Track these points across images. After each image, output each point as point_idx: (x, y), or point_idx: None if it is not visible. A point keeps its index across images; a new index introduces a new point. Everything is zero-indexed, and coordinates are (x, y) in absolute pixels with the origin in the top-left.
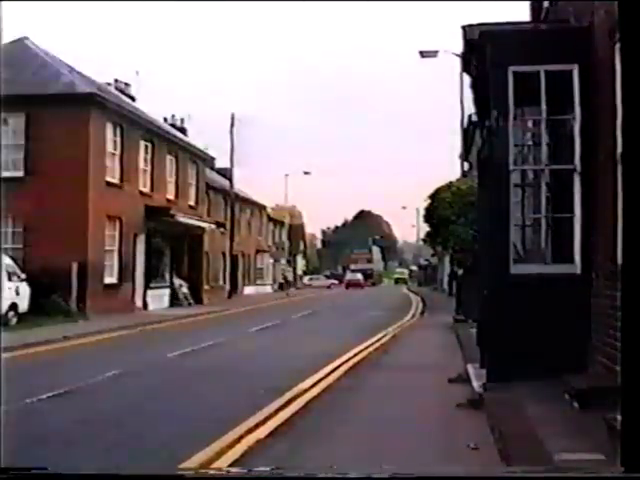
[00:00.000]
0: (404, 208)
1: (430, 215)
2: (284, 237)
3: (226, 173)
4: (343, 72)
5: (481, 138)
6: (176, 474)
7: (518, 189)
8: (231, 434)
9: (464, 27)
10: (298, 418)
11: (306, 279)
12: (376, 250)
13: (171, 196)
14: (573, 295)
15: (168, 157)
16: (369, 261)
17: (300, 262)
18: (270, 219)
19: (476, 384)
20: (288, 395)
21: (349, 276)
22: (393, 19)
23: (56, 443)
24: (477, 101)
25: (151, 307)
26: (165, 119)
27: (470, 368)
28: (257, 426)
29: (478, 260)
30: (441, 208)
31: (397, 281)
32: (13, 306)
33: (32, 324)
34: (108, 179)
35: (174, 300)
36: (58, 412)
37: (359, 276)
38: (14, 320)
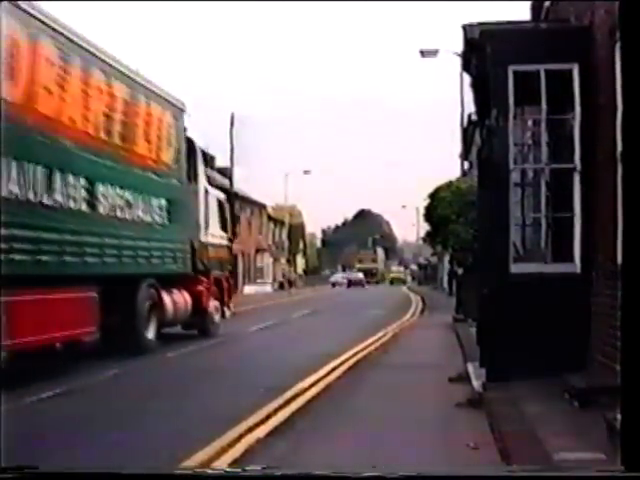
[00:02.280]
0: (404, 207)
1: (430, 214)
2: (284, 236)
3: (226, 172)
4: (343, 71)
5: (481, 137)
6: (174, 473)
7: (518, 188)
8: (231, 433)
9: (464, 26)
10: (298, 417)
11: (339, 276)
12: (380, 251)
13: None
14: (573, 294)
15: None
16: (374, 261)
17: (300, 261)
18: (270, 218)
19: (476, 383)
20: (288, 394)
21: (351, 275)
22: (393, 19)
23: (56, 442)
24: (477, 100)
25: None
26: None
27: (470, 367)
28: (257, 425)
29: (478, 259)
30: (441, 207)
31: (392, 281)
32: None
33: None
34: None
35: None
36: (58, 411)
37: (360, 275)
38: None
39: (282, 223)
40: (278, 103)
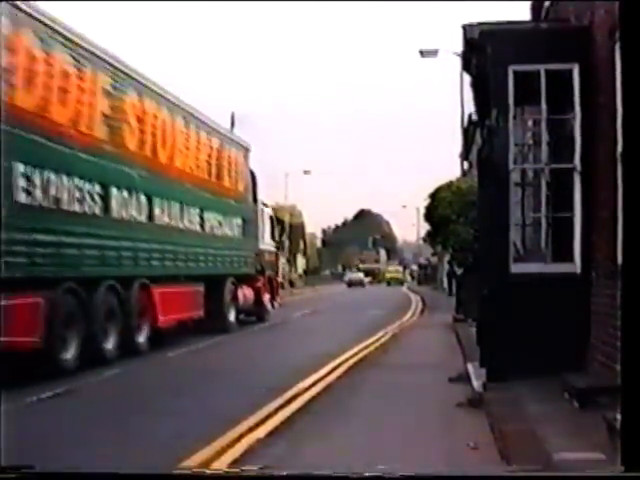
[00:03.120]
0: (404, 207)
1: (430, 214)
2: (284, 236)
3: None
4: (343, 71)
5: (481, 137)
6: (173, 473)
7: (518, 188)
8: (231, 433)
9: (464, 26)
10: (298, 417)
11: (353, 276)
12: (383, 251)
13: None
14: (573, 294)
15: None
16: (376, 261)
17: (300, 261)
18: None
19: (476, 383)
20: (288, 394)
21: (352, 276)
22: (393, 19)
23: (56, 442)
24: (477, 100)
25: None
26: None
27: (470, 367)
28: (257, 425)
29: (478, 259)
30: (441, 207)
31: (389, 282)
32: None
33: None
34: None
35: None
36: (58, 411)
37: (361, 275)
38: None
39: (282, 223)
40: (278, 103)
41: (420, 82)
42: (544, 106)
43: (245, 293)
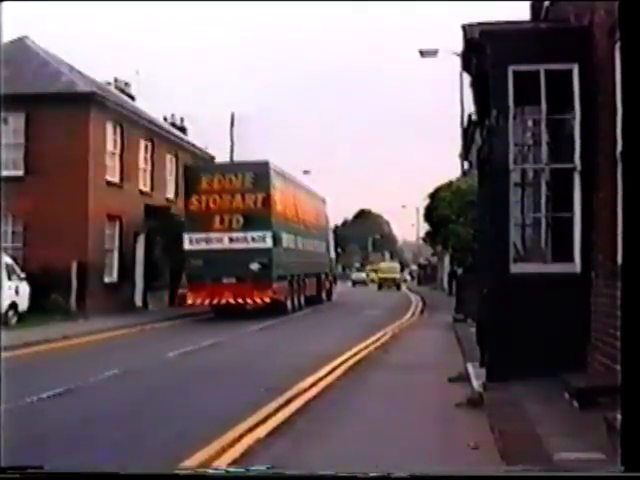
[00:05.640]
0: (404, 207)
1: (430, 214)
2: None
3: None
4: (343, 71)
5: (481, 137)
6: (174, 473)
7: (518, 188)
8: (231, 433)
9: (464, 26)
10: (298, 417)
11: (362, 275)
12: (387, 253)
13: (171, 195)
14: (573, 294)
15: (168, 156)
16: (382, 262)
17: None
18: None
19: (476, 383)
20: (288, 394)
21: (354, 276)
22: (393, 18)
23: (56, 442)
24: (477, 100)
25: (151, 307)
26: (165, 118)
27: (470, 367)
28: (257, 425)
29: (478, 259)
30: (441, 207)
31: (381, 285)
32: (13, 305)
33: (32, 323)
34: (108, 178)
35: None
36: (58, 411)
37: (363, 275)
38: (14, 319)
39: None
40: (278, 103)
41: (420, 82)
42: (544, 106)
43: (325, 283)
